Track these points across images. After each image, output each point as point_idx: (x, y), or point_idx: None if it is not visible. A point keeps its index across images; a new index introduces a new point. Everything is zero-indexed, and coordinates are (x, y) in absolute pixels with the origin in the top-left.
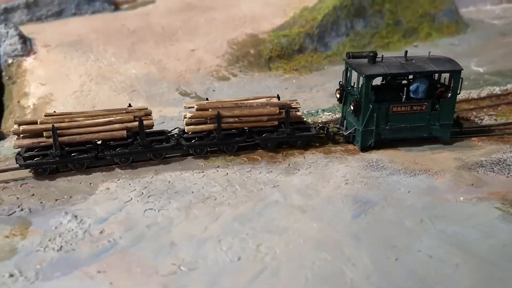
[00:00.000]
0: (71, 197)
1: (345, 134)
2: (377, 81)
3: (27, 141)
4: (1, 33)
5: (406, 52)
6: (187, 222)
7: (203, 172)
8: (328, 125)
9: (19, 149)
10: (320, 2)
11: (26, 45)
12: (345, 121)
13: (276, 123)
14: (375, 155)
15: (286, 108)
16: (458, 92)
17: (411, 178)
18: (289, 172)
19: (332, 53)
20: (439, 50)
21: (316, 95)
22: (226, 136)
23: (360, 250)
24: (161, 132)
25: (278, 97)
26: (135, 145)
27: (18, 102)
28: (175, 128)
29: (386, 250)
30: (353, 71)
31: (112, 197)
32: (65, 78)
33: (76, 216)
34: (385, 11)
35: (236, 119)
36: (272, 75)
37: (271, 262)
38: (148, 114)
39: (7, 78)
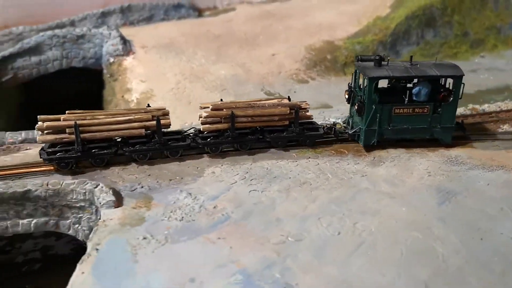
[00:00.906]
0: (182, 178)
1: (350, 133)
2: (384, 83)
3: (50, 137)
4: (104, 35)
5: (411, 57)
6: (288, 202)
7: (296, 161)
8: (335, 125)
9: (43, 144)
10: (393, 12)
11: (126, 46)
12: (351, 121)
13: (287, 122)
14: (453, 152)
15: (296, 108)
16: (460, 96)
17: (489, 173)
18: (375, 164)
19: (402, 61)
20: (504, 61)
21: None
22: (240, 135)
23: (448, 231)
24: (178, 132)
25: (289, 98)
26: (152, 143)
27: (122, 96)
28: (191, 128)
29: (471, 231)
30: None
31: (219, 180)
32: (162, 76)
33: (190, 194)
34: (453, 22)
35: (249, 118)
36: (348, 79)
37: (368, 238)
38: (166, 114)
39: (108, 75)
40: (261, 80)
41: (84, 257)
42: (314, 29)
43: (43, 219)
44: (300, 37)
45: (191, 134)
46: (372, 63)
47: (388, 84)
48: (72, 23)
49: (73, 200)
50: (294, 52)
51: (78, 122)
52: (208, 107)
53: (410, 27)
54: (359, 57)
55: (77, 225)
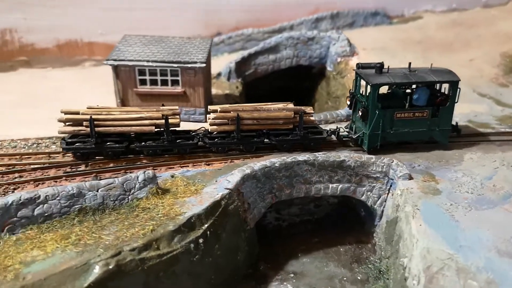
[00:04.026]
0: (447, 161)
1: (354, 137)
2: (385, 90)
3: (69, 129)
4: (332, 37)
5: (409, 64)
6: None
7: None
8: (339, 129)
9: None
10: None
11: (351, 47)
12: (354, 126)
13: (291, 126)
14: None
15: (300, 112)
16: (456, 100)
17: None
18: None
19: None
20: None
21: None
22: (245, 137)
23: None
24: (188, 131)
25: (294, 103)
26: (161, 140)
27: None
28: (200, 128)
29: None
30: (361, 80)
31: (480, 164)
32: None
33: (465, 173)
34: None
35: (255, 121)
36: None
37: None
38: (176, 114)
39: (335, 72)
40: (468, 83)
41: (413, 214)
42: (503, 38)
43: (346, 185)
44: (492, 45)
45: (200, 134)
46: (373, 70)
47: (388, 90)
48: (291, 27)
49: (372, 171)
50: (490, 58)
51: (93, 116)
52: (217, 110)
53: None
54: (360, 64)
55: (369, 193)
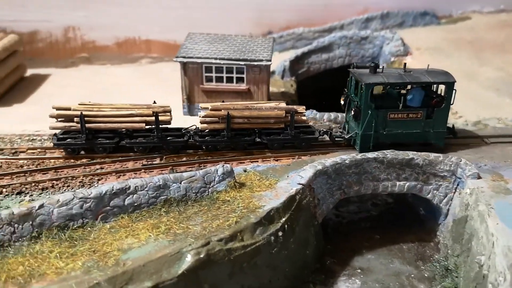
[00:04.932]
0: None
1: (346, 137)
2: (379, 90)
3: (60, 124)
4: (386, 37)
5: (405, 64)
6: None
7: None
8: (332, 130)
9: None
10: None
11: (405, 47)
12: (347, 126)
13: (282, 125)
14: None
15: (292, 112)
16: (452, 102)
17: None
18: None
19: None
20: None
21: None
22: (236, 135)
23: None
24: (179, 129)
25: (287, 103)
26: (151, 137)
27: None
28: (192, 125)
29: None
30: (356, 80)
31: None
32: None
33: None
34: None
35: (246, 119)
36: None
37: None
38: (167, 111)
39: None
40: None
41: (488, 213)
42: None
43: (413, 183)
44: None
45: (190, 132)
46: (367, 70)
47: (383, 90)
48: (342, 27)
49: (440, 170)
50: None
51: (84, 113)
52: (208, 107)
53: None
54: (355, 64)
55: (435, 191)
